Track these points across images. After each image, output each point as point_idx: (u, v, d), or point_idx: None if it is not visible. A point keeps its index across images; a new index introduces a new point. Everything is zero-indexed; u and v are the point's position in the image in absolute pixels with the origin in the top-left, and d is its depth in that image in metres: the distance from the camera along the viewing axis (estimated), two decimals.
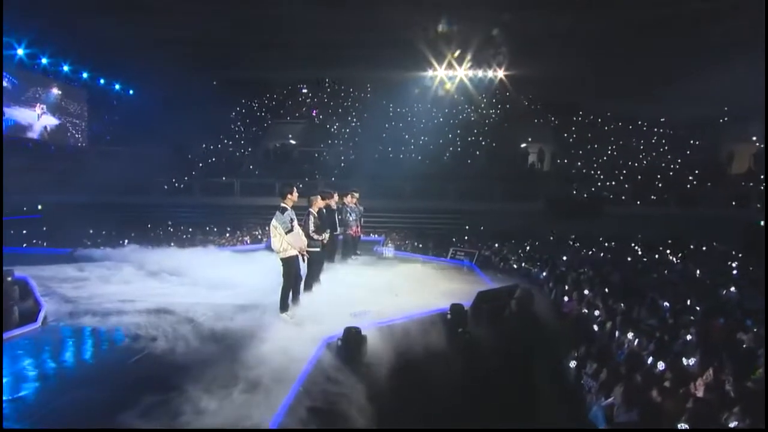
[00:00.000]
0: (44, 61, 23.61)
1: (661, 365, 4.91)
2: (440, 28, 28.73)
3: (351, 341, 5.14)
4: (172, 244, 13.93)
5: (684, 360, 5.14)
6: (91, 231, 16.99)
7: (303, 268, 6.80)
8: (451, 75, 32.60)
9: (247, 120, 31.12)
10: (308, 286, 7.18)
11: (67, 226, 16.73)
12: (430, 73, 32.50)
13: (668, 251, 14.52)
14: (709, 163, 23.68)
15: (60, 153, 25.75)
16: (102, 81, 27.94)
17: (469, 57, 31.33)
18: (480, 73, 32.62)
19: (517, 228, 19.03)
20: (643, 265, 11.62)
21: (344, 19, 29.55)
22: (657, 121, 28.36)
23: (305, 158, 26.90)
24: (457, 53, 30.85)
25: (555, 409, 4.62)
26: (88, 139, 27.86)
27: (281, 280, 6.33)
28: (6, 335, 5.56)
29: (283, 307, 6.32)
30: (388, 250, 12.07)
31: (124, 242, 13.12)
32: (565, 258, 12.04)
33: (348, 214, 10.57)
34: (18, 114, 23.62)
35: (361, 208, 11.18)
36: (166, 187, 23.70)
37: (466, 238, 17.47)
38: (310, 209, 7.22)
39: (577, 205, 21.14)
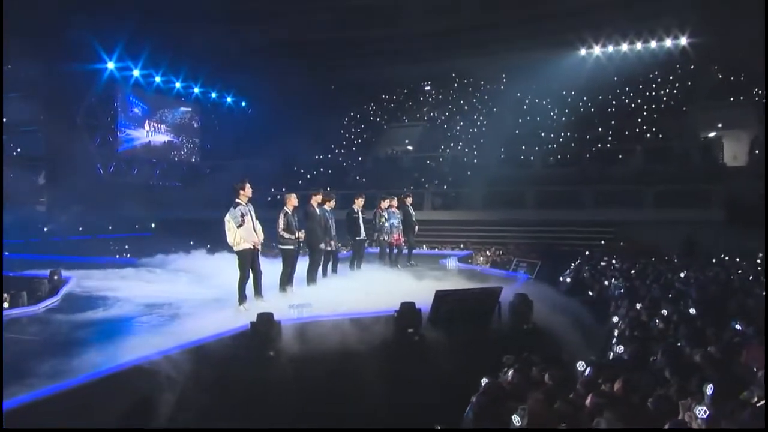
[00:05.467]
0: (157, 79, 28.92)
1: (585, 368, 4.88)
2: None
3: (259, 327, 5.94)
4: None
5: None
6: (181, 245, 20.43)
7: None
8: (610, 51, 30.93)
9: (361, 126, 33.52)
10: (283, 283, 8.27)
11: (170, 241, 20.46)
12: (582, 51, 31.26)
13: None
14: None
15: (172, 170, 31.29)
16: (214, 95, 32.98)
17: (637, 24, 29.41)
18: (653, 43, 30.26)
19: (672, 243, 17.45)
20: None
21: None
22: None
23: (417, 165, 28.02)
24: (619, 21, 29.21)
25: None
26: (200, 154, 33.21)
27: None
28: (6, 312, 7.73)
29: (240, 298, 7.55)
30: (451, 262, 12.61)
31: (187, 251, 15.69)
32: (683, 275, 11.11)
33: (383, 221, 11.34)
34: (133, 134, 29.54)
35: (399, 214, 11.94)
36: (269, 199, 27.02)
37: (587, 253, 16.68)
38: (285, 207, 8.36)
39: None
